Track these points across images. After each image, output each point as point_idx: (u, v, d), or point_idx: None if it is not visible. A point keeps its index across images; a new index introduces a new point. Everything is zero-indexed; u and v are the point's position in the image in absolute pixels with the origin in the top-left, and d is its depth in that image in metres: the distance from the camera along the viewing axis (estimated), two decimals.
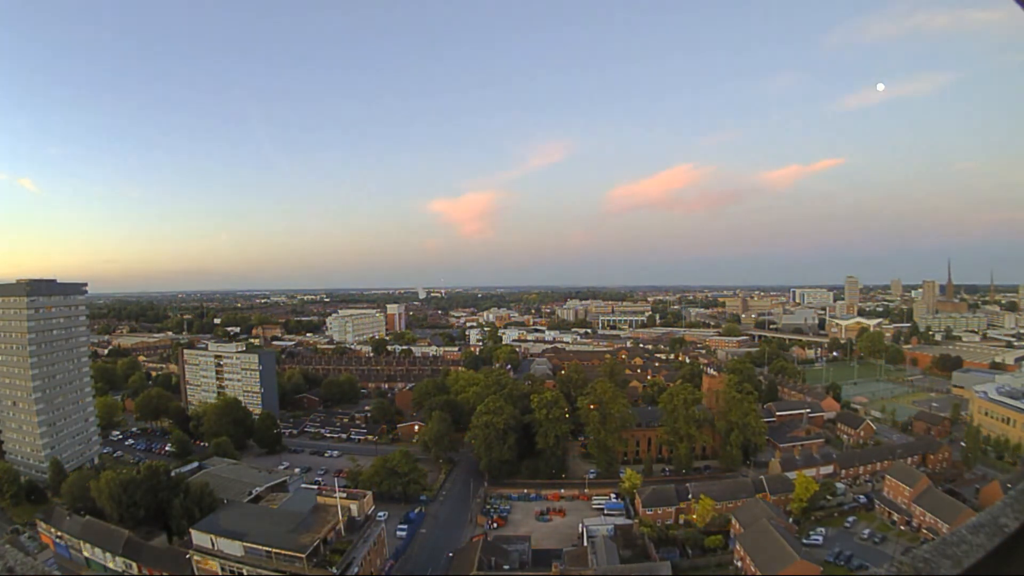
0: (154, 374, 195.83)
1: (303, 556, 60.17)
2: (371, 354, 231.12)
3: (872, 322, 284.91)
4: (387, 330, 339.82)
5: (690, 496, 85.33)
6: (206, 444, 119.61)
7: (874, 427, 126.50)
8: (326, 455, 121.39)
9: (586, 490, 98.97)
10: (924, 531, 77.82)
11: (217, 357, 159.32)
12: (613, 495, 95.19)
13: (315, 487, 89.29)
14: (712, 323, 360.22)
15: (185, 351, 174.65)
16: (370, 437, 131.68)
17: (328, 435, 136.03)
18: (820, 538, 78.04)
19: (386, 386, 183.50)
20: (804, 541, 74.68)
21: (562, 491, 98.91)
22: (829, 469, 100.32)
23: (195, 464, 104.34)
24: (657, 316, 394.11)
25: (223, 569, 64.07)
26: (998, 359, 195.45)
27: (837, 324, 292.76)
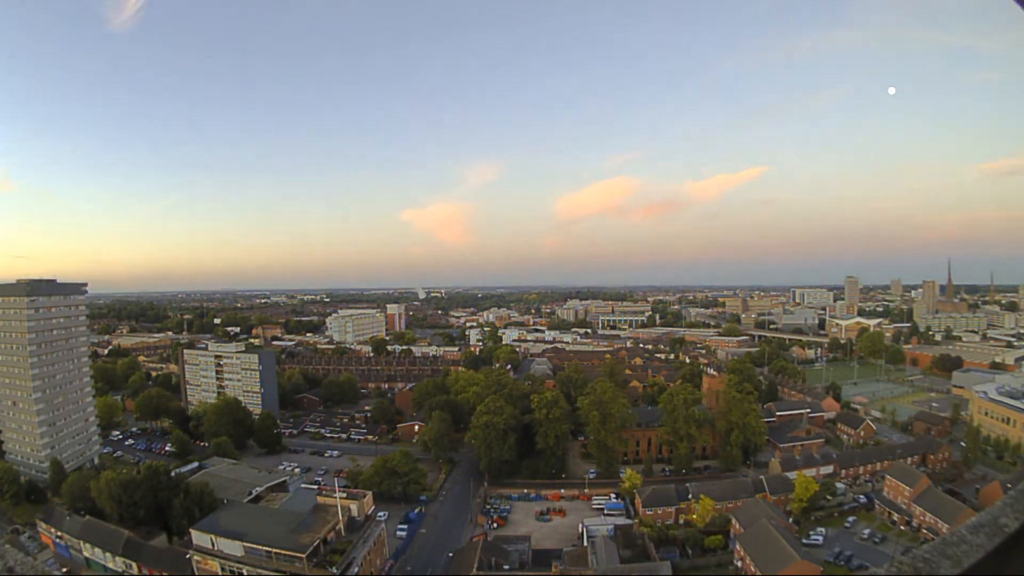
0: (154, 374, 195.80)
1: (303, 556, 60.18)
2: (371, 354, 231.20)
3: (872, 322, 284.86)
4: (387, 330, 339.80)
5: (690, 496, 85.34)
6: (206, 444, 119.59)
7: (874, 427, 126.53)
8: (326, 455, 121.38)
9: (586, 490, 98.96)
10: (924, 531, 77.83)
11: (217, 357, 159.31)
12: (613, 495, 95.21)
13: (315, 487, 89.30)
14: (712, 323, 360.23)
15: (185, 351, 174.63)
16: (370, 437, 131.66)
17: (328, 435, 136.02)
18: (820, 538, 78.04)
19: (386, 386, 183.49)
20: (804, 541, 74.70)
21: (562, 491, 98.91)
22: (829, 469, 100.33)
23: (195, 464, 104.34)
24: (657, 316, 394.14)
25: (223, 569, 64.08)
26: (998, 359, 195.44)
27: (837, 324, 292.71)
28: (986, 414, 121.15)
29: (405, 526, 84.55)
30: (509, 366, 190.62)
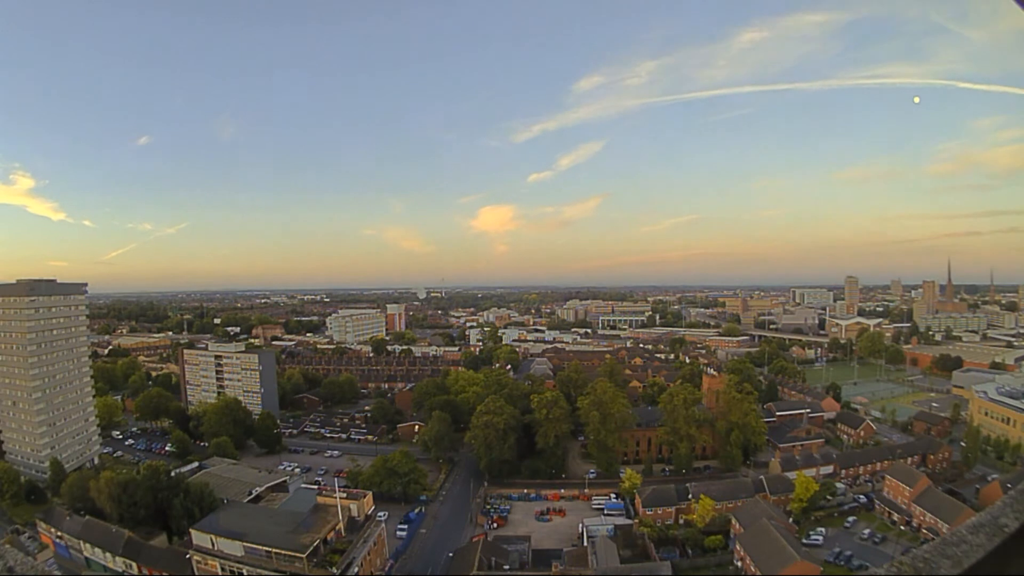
0: (154, 374, 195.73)
1: (303, 556, 60.17)
2: (371, 354, 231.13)
3: (872, 322, 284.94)
4: (387, 330, 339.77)
5: (690, 496, 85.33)
6: (206, 444, 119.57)
7: (874, 427, 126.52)
8: (326, 455, 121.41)
9: (586, 490, 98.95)
10: (924, 531, 77.81)
11: (217, 357, 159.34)
12: (613, 495, 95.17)
13: (315, 487, 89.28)
14: (712, 323, 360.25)
15: (185, 351, 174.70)
16: (370, 437, 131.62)
17: (328, 435, 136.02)
18: (820, 538, 78.03)
19: (386, 386, 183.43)
20: (804, 541, 74.67)
21: (562, 491, 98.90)
22: (829, 469, 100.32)
23: (195, 464, 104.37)
24: (657, 316, 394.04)
25: (223, 569, 64.08)
26: (998, 359, 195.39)
27: (837, 324, 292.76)
28: (986, 414, 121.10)
29: (405, 526, 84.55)
30: (509, 366, 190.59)
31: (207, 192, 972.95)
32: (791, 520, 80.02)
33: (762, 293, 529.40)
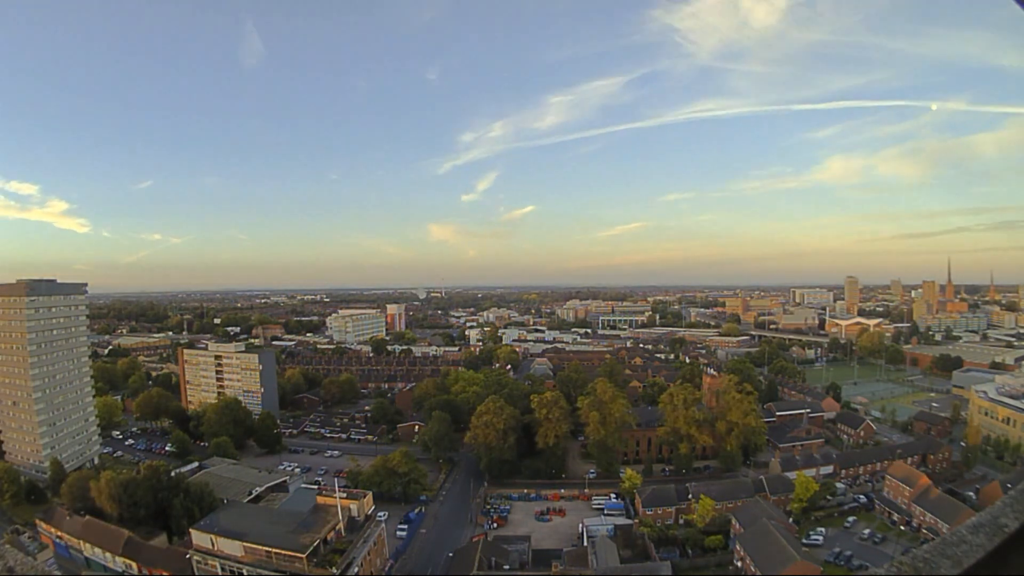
0: (154, 374, 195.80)
1: (303, 556, 60.14)
2: (371, 354, 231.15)
3: (872, 322, 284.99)
4: (387, 330, 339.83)
5: (690, 496, 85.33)
6: (206, 444, 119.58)
7: (874, 427, 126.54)
8: (326, 455, 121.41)
9: (586, 490, 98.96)
10: (924, 531, 77.80)
11: (217, 357, 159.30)
12: (613, 495, 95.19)
13: (315, 487, 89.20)
14: (712, 323, 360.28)
15: (185, 351, 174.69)
16: (370, 437, 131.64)
17: (328, 435, 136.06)
18: (820, 538, 78.05)
19: (386, 386, 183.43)
20: (804, 541, 74.67)
21: (562, 491, 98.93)
22: (829, 469, 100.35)
23: (195, 464, 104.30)
24: (657, 316, 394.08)
25: (223, 569, 64.07)
26: (998, 359, 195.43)
27: (837, 324, 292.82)
28: (986, 414, 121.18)
29: (405, 526, 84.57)
30: (509, 366, 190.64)
31: (211, 206, 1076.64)
32: (791, 520, 80.00)
33: (762, 293, 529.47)
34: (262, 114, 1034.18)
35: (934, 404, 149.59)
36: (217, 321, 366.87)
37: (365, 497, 74.83)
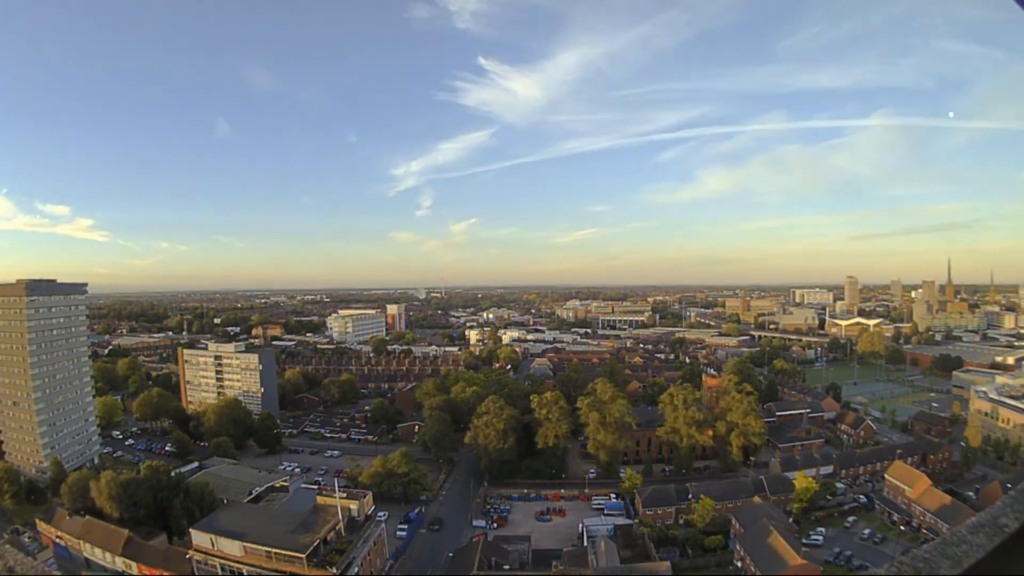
0: (154, 374, 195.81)
1: (303, 556, 60.15)
2: (371, 354, 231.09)
3: (872, 322, 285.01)
4: (387, 330, 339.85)
5: (690, 496, 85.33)
6: (206, 444, 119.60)
7: (874, 427, 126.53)
8: (326, 455, 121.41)
9: (586, 490, 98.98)
10: (924, 531, 77.84)
11: (217, 357, 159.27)
12: (613, 495, 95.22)
13: (315, 487, 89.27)
14: (712, 323, 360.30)
15: (185, 351, 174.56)
16: (370, 437, 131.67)
17: (328, 435, 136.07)
18: (820, 538, 78.07)
19: (386, 386, 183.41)
20: (804, 541, 74.62)
21: (562, 491, 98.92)
22: (829, 469, 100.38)
23: (195, 464, 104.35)
24: (657, 316, 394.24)
25: (223, 569, 64.09)
26: (998, 359, 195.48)
27: (837, 324, 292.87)
28: (986, 414, 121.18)
29: (405, 526, 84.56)
30: (509, 366, 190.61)
31: (215, 216, 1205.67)
32: (791, 520, 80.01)
33: (762, 293, 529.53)
34: (248, 149, 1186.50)
35: (934, 404, 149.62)
36: (217, 321, 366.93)
37: (365, 497, 74.81)
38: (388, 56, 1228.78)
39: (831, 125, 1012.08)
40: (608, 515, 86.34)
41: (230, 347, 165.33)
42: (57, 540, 77.83)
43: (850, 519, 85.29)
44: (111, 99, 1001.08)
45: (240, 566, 63.12)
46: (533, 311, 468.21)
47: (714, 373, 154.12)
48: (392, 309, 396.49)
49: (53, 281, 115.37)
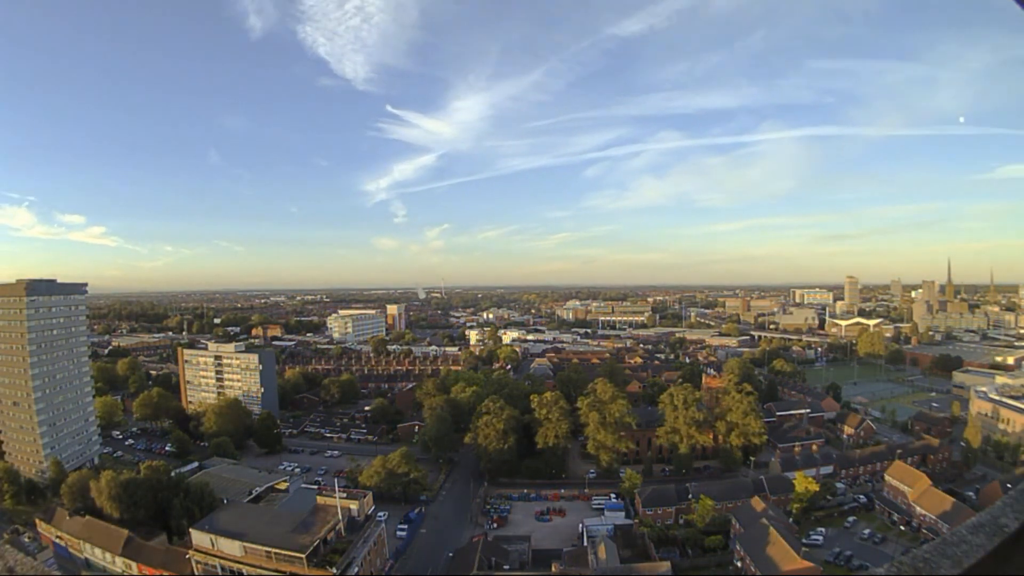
0: (154, 374, 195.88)
1: (303, 556, 60.16)
2: (371, 354, 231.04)
3: (872, 322, 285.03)
4: (387, 330, 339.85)
5: (690, 496, 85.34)
6: (206, 444, 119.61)
7: (874, 427, 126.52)
8: (326, 455, 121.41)
9: (586, 490, 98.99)
10: (924, 531, 77.84)
11: (217, 357, 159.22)
12: (613, 495, 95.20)
13: (315, 487, 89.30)
14: (712, 323, 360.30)
15: (185, 351, 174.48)
16: (370, 437, 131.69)
17: (328, 435, 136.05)
18: (820, 538, 78.09)
19: (386, 386, 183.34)
20: (804, 541, 74.62)
21: (562, 491, 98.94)
22: (829, 469, 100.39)
23: (195, 464, 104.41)
24: (657, 316, 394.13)
25: (223, 569, 64.09)
26: (998, 359, 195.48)
27: (837, 324, 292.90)
28: (986, 414, 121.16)
29: (405, 526, 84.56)
30: (509, 366, 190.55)
31: (215, 223, 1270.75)
32: (791, 520, 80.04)
33: (762, 293, 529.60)
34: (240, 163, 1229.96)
35: (934, 404, 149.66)
36: (217, 321, 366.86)
37: (365, 497, 74.85)
38: (322, 105, 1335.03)
39: (727, 142, 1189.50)
40: (608, 515, 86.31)
41: (230, 347, 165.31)
42: (57, 540, 77.85)
43: (850, 519, 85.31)
44: (125, 132, 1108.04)
45: (240, 566, 63.13)
46: (533, 311, 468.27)
47: (714, 373, 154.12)
48: (392, 309, 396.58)
49: (53, 281, 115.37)
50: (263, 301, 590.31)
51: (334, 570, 60.27)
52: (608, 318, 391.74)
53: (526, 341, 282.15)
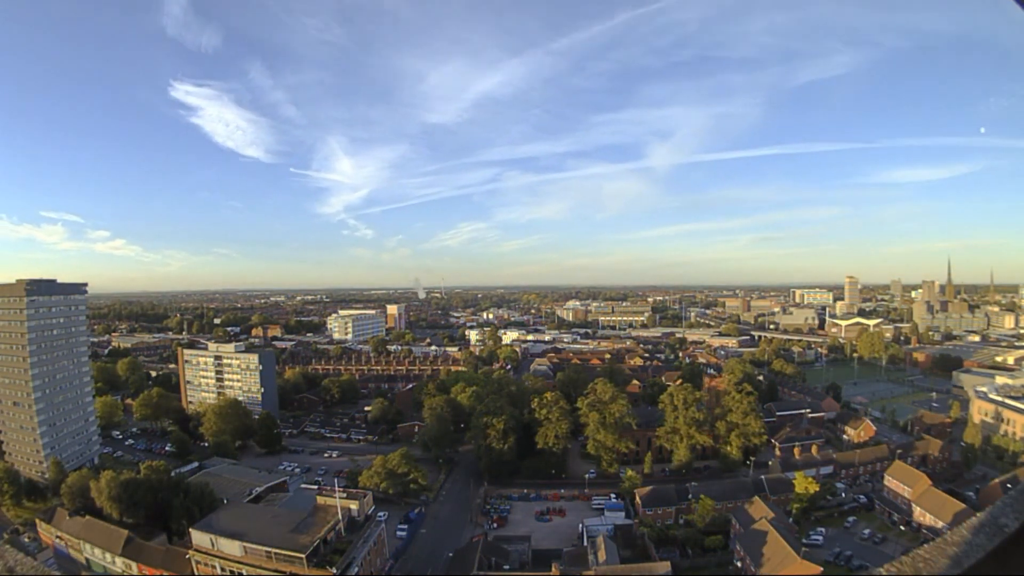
0: (154, 374, 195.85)
1: (303, 556, 60.14)
2: (371, 354, 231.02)
3: (872, 322, 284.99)
4: (387, 330, 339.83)
5: (690, 496, 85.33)
6: (206, 444, 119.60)
7: (874, 427, 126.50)
8: (326, 455, 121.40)
9: (586, 490, 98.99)
10: (924, 531, 77.82)
11: (217, 357, 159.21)
12: (613, 495, 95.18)
13: (315, 487, 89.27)
14: (712, 323, 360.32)
15: (185, 351, 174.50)
16: (370, 437, 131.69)
17: (328, 435, 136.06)
18: (820, 538, 78.09)
19: (386, 386, 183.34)
20: (804, 541, 74.58)
21: (562, 491, 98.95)
22: (829, 469, 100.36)
23: (195, 464, 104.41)
24: (657, 316, 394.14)
25: (223, 569, 64.08)
26: (998, 359, 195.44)
27: (837, 324, 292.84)
28: (986, 414, 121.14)
29: (405, 526, 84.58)
30: (509, 366, 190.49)
31: (215, 229, 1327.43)
32: (791, 520, 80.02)
33: (762, 293, 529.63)
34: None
35: (934, 404, 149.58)
36: (217, 321, 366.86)
37: (365, 497, 74.81)
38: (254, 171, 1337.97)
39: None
40: (608, 515, 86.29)
41: (230, 347, 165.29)
42: (57, 540, 77.86)
43: (850, 519, 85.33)
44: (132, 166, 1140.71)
45: (240, 566, 63.10)
46: (533, 311, 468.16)
47: (714, 373, 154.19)
48: (392, 309, 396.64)
49: (53, 281, 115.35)
50: (263, 301, 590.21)
51: (334, 570, 60.27)
52: (608, 318, 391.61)
53: (526, 341, 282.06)
